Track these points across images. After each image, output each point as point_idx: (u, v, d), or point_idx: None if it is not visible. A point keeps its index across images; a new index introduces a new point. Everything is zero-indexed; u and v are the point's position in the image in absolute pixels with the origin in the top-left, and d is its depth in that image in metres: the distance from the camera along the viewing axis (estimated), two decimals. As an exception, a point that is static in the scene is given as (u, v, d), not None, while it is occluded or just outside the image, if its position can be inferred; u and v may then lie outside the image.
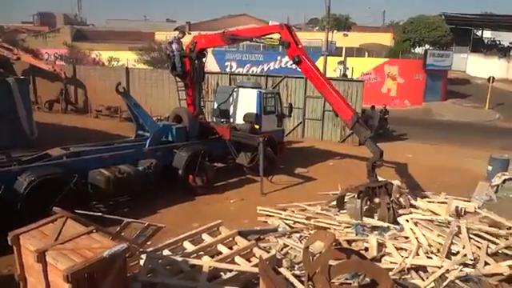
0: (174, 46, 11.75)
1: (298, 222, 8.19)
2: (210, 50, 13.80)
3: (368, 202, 8.52)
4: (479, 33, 49.45)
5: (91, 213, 6.13)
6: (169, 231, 7.18)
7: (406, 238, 7.30)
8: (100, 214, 6.60)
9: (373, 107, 18.63)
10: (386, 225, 7.74)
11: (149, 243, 6.53)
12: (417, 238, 7.07)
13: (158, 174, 9.72)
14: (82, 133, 16.33)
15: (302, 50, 10.24)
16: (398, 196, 8.94)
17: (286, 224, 8.19)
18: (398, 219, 7.92)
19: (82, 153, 9.15)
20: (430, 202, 9.16)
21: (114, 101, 18.16)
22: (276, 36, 10.63)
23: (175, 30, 12.68)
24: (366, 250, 6.91)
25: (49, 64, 24.58)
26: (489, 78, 29.12)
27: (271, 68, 33.28)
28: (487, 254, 6.75)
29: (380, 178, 8.87)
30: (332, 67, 29.67)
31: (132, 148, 9.97)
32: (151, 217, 8.51)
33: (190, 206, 9.63)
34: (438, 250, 6.80)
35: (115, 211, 8.38)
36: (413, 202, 8.90)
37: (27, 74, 20.87)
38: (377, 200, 8.41)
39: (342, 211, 8.73)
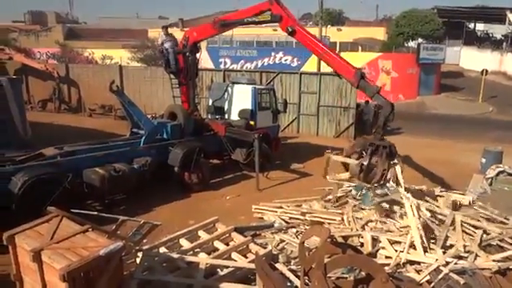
0: (168, 44, 11.73)
1: (294, 218, 8.22)
2: (203, 47, 13.76)
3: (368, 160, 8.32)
4: (472, 26, 49.62)
5: (87, 212, 6.14)
6: (165, 229, 7.22)
7: (402, 228, 7.36)
8: (95, 212, 6.62)
9: (367, 102, 18.64)
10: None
11: (145, 241, 6.56)
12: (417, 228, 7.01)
13: (153, 171, 9.71)
14: (75, 132, 16.25)
15: (295, 20, 10.19)
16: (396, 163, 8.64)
17: (282, 219, 8.22)
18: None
19: (76, 152, 9.10)
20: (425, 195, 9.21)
21: (107, 99, 18.09)
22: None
23: (162, 27, 12.61)
24: (362, 245, 6.95)
25: (41, 63, 24.42)
26: (482, 71, 29.24)
27: (265, 64, 33.25)
28: (480, 246, 6.82)
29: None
30: (326, 62, 29.62)
31: (127, 146, 9.93)
32: (147, 215, 8.51)
33: (186, 203, 9.64)
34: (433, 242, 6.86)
35: (111, 210, 8.38)
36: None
37: (20, 73, 20.69)
38: (375, 159, 8.24)
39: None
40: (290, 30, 9.99)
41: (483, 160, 12.06)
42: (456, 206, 8.54)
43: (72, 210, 5.57)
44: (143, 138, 10.08)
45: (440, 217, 7.74)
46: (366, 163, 8.18)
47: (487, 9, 44.04)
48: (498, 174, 10.89)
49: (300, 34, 10.06)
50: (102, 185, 8.43)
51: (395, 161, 8.31)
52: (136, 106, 10.35)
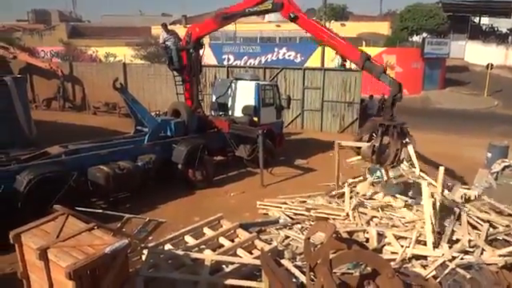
0: (170, 41, 11.72)
1: (299, 214, 8.21)
2: (206, 43, 13.72)
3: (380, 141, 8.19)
4: (477, 20, 49.19)
5: (92, 210, 6.14)
6: (170, 226, 7.21)
7: (406, 223, 7.34)
8: (101, 210, 6.63)
9: (371, 97, 18.57)
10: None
11: (150, 238, 6.55)
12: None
13: (157, 169, 9.72)
14: (80, 130, 16.30)
15: (296, 6, 10.12)
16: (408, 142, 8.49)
17: (287, 215, 8.21)
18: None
19: (80, 150, 9.13)
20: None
21: (111, 97, 18.12)
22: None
23: (162, 25, 12.57)
24: (367, 241, 6.93)
25: (45, 62, 24.48)
26: (487, 65, 29.04)
27: (269, 60, 33.19)
28: (486, 241, 6.79)
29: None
30: (330, 57, 29.53)
31: (131, 144, 9.94)
32: (152, 212, 8.53)
33: (191, 200, 9.65)
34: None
35: (116, 207, 8.39)
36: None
37: (24, 72, 20.77)
38: (386, 140, 8.10)
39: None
40: (293, 16, 9.91)
41: (489, 154, 11.97)
42: (463, 200, 8.52)
43: (77, 208, 5.57)
44: (147, 135, 10.09)
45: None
46: (377, 144, 8.08)
47: (492, 2, 43.62)
48: (503, 169, 10.80)
49: (303, 20, 9.99)
50: (107, 183, 8.45)
51: (407, 140, 8.26)
52: (140, 104, 10.35)
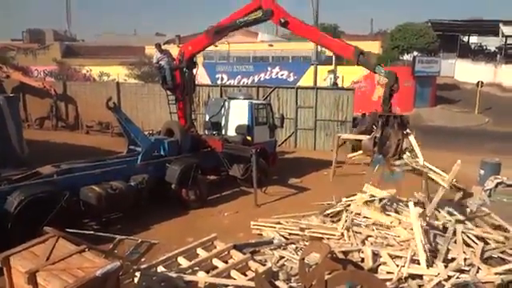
0: (164, 61, 11.79)
1: (293, 234, 8.15)
2: (200, 63, 13.82)
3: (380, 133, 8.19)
4: (466, 38, 50.17)
5: (83, 231, 6.06)
6: (163, 247, 7.11)
7: (401, 242, 7.30)
8: (92, 232, 6.53)
9: (363, 115, 18.70)
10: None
11: (143, 260, 6.45)
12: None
13: (150, 189, 9.65)
14: (73, 149, 16.19)
15: (285, 11, 10.17)
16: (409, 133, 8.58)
17: (281, 236, 8.14)
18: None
19: (72, 170, 9.05)
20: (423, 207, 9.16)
21: (105, 116, 18.09)
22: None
23: (155, 45, 12.64)
24: (363, 260, 6.88)
25: (39, 81, 24.48)
26: (477, 83, 29.44)
27: (262, 79, 33.40)
28: (482, 259, 6.76)
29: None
30: (322, 76, 29.83)
31: (124, 163, 9.89)
32: (144, 233, 8.41)
33: (184, 221, 9.55)
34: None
35: (108, 228, 8.27)
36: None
37: (17, 91, 20.71)
38: (387, 132, 8.10)
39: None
40: (283, 21, 10.02)
41: (481, 171, 12.06)
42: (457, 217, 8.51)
43: (68, 230, 5.48)
44: (140, 155, 10.04)
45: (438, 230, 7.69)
46: (378, 136, 8.09)
47: (481, 21, 44.61)
48: (496, 186, 10.88)
49: (293, 24, 10.07)
50: (99, 203, 8.36)
51: (408, 131, 8.28)
52: (133, 123, 10.33)
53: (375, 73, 8.88)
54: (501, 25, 39.94)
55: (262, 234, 8.44)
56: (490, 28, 42.45)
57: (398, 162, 8.36)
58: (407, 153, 8.49)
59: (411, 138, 8.28)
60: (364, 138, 8.54)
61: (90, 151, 14.95)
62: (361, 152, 8.76)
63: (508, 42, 42.13)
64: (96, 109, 18.92)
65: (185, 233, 8.54)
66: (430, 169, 8.50)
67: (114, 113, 9.95)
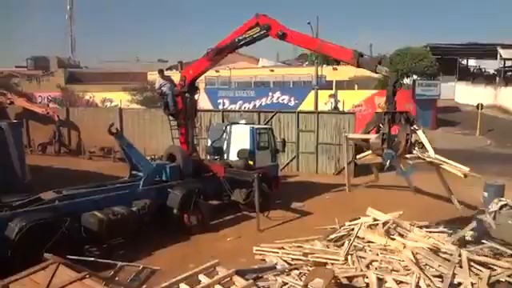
0: (166, 87, 11.93)
1: (297, 259, 8.04)
2: (202, 88, 13.97)
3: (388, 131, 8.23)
4: (464, 62, 50.77)
5: (84, 258, 6.01)
6: (164, 273, 7.04)
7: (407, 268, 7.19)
8: (93, 258, 6.47)
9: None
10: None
11: (144, 287, 6.37)
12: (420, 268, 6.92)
13: (152, 214, 9.60)
14: (75, 175, 16.20)
15: (282, 25, 10.31)
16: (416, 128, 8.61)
17: (284, 261, 8.04)
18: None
19: (74, 195, 9.04)
20: (429, 231, 9.06)
21: (107, 141, 18.15)
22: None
23: (158, 71, 12.80)
24: (367, 286, 6.77)
25: (42, 107, 24.71)
26: (477, 105, 29.61)
27: (263, 104, 33.68)
28: (488, 284, 6.64)
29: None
30: (323, 100, 30.09)
31: (126, 189, 9.87)
32: (146, 259, 8.33)
33: (186, 246, 9.46)
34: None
35: (109, 254, 8.21)
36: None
37: (20, 117, 20.92)
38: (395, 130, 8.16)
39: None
40: (281, 33, 10.20)
41: (485, 194, 11.96)
42: (462, 242, 8.40)
43: (69, 257, 5.44)
44: (142, 180, 10.03)
45: (444, 255, 7.58)
46: (386, 132, 8.14)
47: (478, 45, 45.19)
48: (501, 208, 10.76)
49: (291, 35, 10.25)
50: (100, 229, 8.31)
51: (415, 126, 8.31)
52: (135, 148, 10.37)
53: (376, 73, 8.92)
54: (499, 48, 40.46)
55: (264, 260, 8.34)
56: (488, 51, 42.99)
57: (409, 156, 8.40)
58: (416, 148, 8.50)
59: (419, 132, 8.33)
60: (371, 136, 8.57)
61: (93, 176, 14.93)
62: (369, 152, 8.76)
63: (506, 64, 42.61)
64: (99, 134, 18.97)
65: (187, 259, 8.43)
66: (443, 161, 8.51)
67: (116, 138, 10.01)
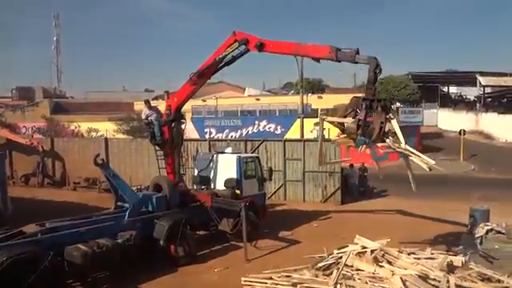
0: (153, 116, 11.95)
1: (285, 289, 7.92)
2: (188, 117, 14.01)
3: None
4: (445, 89, 52.20)
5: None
6: (150, 307, 6.86)
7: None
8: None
9: (351, 166, 18.88)
10: None
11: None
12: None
13: (138, 245, 9.40)
14: (59, 206, 15.88)
15: (258, 37, 10.51)
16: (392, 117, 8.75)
17: (273, 292, 7.91)
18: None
19: (57, 228, 8.84)
20: (416, 258, 9.05)
21: (92, 172, 17.94)
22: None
23: (144, 102, 12.87)
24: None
25: (26, 138, 24.43)
26: (460, 131, 30.22)
27: (250, 132, 33.89)
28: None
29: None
30: (309, 128, 30.36)
31: (111, 220, 9.72)
32: (132, 292, 8.13)
33: (173, 278, 9.27)
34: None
35: (93, 289, 8.00)
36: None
37: (4, 148, 20.57)
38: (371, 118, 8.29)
39: None
40: (259, 43, 10.40)
41: (471, 219, 12.07)
42: (450, 268, 8.39)
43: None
44: (128, 211, 9.88)
45: (433, 282, 7.56)
46: (362, 118, 8.25)
47: (458, 73, 46.68)
48: (487, 233, 10.87)
49: (269, 44, 10.45)
50: (84, 262, 8.09)
51: (391, 115, 8.45)
52: (121, 179, 10.26)
53: (356, 63, 8.99)
54: (477, 75, 41.79)
55: (253, 291, 8.19)
56: (467, 79, 44.36)
57: (380, 145, 8.68)
58: (390, 137, 8.68)
59: (394, 122, 8.50)
60: (349, 120, 8.70)
61: (77, 208, 14.65)
62: (345, 136, 8.90)
63: (486, 91, 43.91)
64: (84, 165, 18.82)
65: (173, 292, 8.26)
66: (412, 152, 8.87)
67: (101, 169, 9.92)
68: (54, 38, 72.59)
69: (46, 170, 22.66)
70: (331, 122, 9.93)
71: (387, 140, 8.73)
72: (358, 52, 8.95)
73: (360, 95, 9.08)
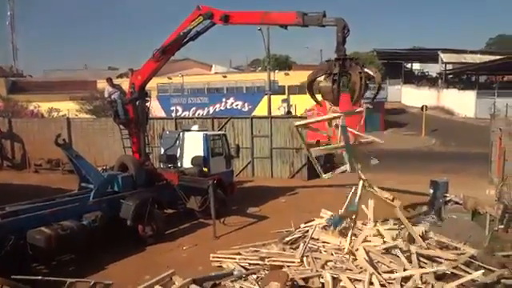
0: (115, 95, 11.64)
1: (254, 263, 8.07)
2: (154, 95, 13.73)
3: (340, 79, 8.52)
4: (409, 66, 53.35)
5: (31, 277, 5.72)
6: (118, 287, 6.83)
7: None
8: (41, 277, 6.18)
9: (317, 142, 19.10)
10: None
11: (96, 303, 6.16)
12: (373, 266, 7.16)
13: (104, 226, 9.28)
14: (20, 190, 15.32)
15: (223, 10, 10.39)
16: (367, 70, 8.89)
17: (242, 266, 8.04)
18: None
19: (19, 212, 8.57)
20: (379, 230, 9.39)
21: (54, 153, 17.38)
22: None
23: (106, 80, 12.48)
24: (323, 286, 6.91)
25: (-19, 120, 23.31)
26: (422, 107, 31.11)
27: (217, 110, 33.66)
28: (435, 276, 7.00)
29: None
30: (276, 105, 30.47)
31: (75, 202, 9.50)
32: (99, 274, 8.05)
33: (141, 258, 9.23)
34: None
35: (59, 271, 7.87)
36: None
37: (-43, 132, 19.61)
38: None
39: None
40: (224, 16, 10.26)
41: (431, 191, 12.56)
42: (411, 238, 8.77)
43: (14, 277, 5.16)
44: (93, 192, 9.68)
45: (395, 251, 7.89)
46: (336, 77, 8.44)
47: (421, 50, 47.69)
48: (445, 203, 11.39)
49: (234, 15, 10.34)
50: (48, 245, 7.91)
51: (366, 70, 8.69)
52: (84, 159, 9.99)
53: (324, 26, 8.97)
54: (440, 52, 42.84)
55: (222, 266, 8.30)
56: (430, 56, 45.40)
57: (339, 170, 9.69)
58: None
59: (368, 70, 8.84)
60: (322, 78, 8.87)
61: (39, 191, 14.21)
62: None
63: (447, 67, 45.17)
64: (45, 146, 18.15)
65: (142, 270, 8.23)
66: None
67: (63, 150, 9.62)
68: (8, 13, 68.63)
69: (5, 152, 21.80)
70: (307, 126, 10.04)
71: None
72: (324, 15, 8.91)
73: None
